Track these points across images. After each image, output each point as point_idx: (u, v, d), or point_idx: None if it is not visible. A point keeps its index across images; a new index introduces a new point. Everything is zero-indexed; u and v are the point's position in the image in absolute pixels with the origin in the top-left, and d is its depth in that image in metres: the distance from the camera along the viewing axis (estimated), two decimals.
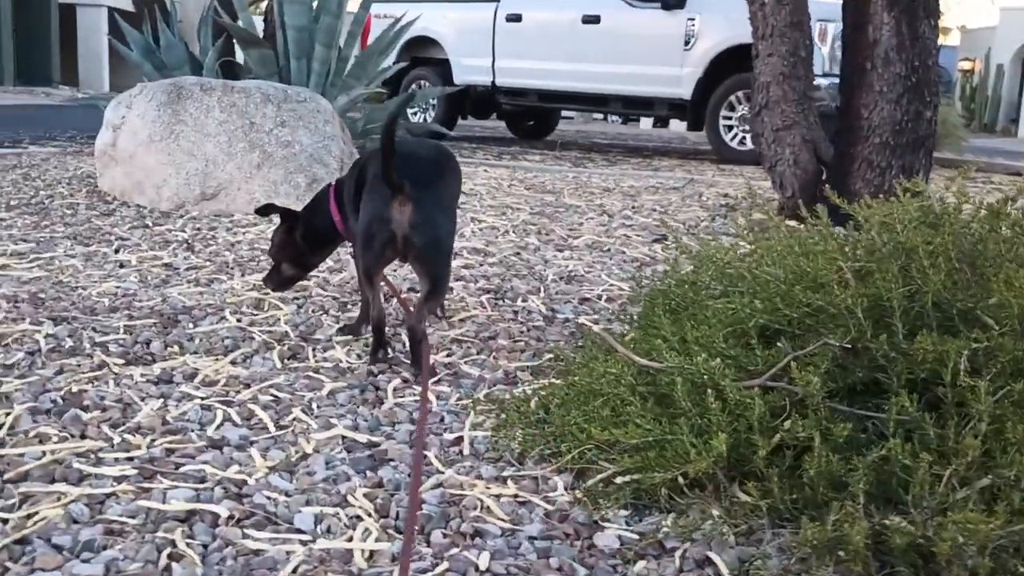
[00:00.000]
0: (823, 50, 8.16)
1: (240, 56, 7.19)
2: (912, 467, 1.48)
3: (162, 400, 1.95)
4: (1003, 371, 1.58)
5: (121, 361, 2.17)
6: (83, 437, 1.76)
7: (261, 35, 7.47)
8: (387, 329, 2.29)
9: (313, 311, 2.66)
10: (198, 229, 3.79)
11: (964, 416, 1.56)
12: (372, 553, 1.41)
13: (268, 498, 1.55)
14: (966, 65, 25.61)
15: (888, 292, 1.73)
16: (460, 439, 1.83)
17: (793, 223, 3.38)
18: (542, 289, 3.01)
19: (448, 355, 2.34)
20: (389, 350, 2.29)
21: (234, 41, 7.17)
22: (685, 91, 9.00)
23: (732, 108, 8.81)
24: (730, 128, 8.88)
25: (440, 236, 2.15)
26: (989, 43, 23.86)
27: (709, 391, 1.63)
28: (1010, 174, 8.58)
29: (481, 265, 3.29)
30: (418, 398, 2.04)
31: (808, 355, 1.71)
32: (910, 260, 1.85)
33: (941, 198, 2.05)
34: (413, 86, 10.63)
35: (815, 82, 6.45)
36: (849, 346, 1.71)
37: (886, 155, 3.96)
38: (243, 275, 3.05)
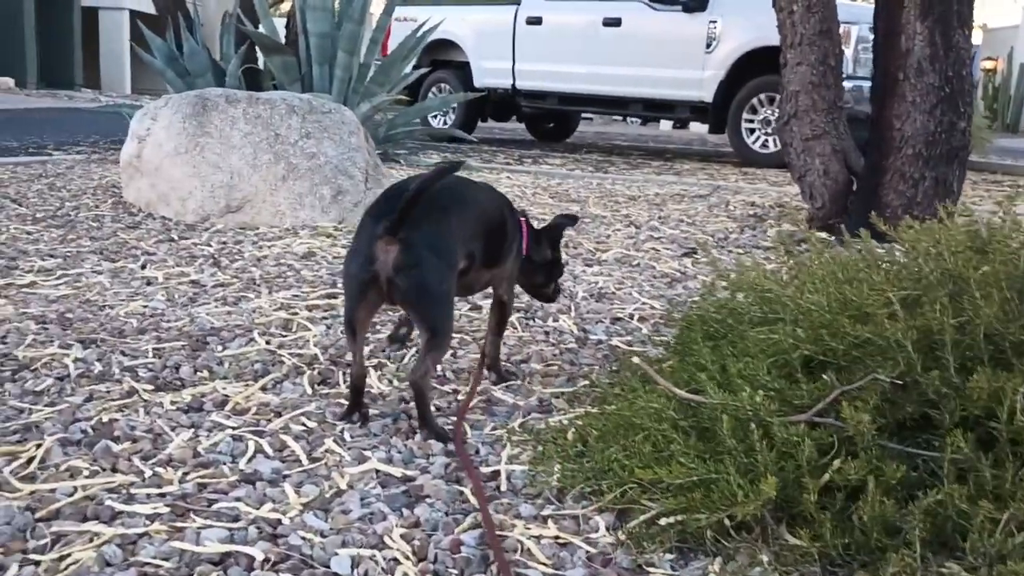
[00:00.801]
0: (846, 52, 8.07)
1: (262, 62, 7.19)
2: (969, 512, 1.43)
3: (193, 430, 1.92)
4: None
5: (151, 387, 2.15)
6: (114, 471, 1.73)
7: (283, 41, 7.48)
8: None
9: (342, 332, 2.62)
10: (224, 243, 3.77)
11: (1020, 456, 1.51)
12: None
13: (303, 539, 1.51)
14: (989, 64, 25.33)
15: (938, 324, 1.68)
16: (497, 473, 1.79)
17: (824, 235, 3.34)
18: (572, 308, 2.97)
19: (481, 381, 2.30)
20: (360, 414, 2.03)
21: (256, 47, 7.17)
22: (707, 94, 8.95)
23: (754, 111, 8.76)
24: (752, 131, 8.82)
25: (428, 280, 1.91)
26: (1012, 42, 23.59)
27: (754, 428, 1.58)
28: None
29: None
30: (451, 428, 2.00)
31: (856, 390, 1.66)
32: (959, 289, 1.80)
33: (989, 221, 1.99)
34: (433, 89, 10.62)
35: None
36: (899, 381, 1.66)
37: (919, 167, 3.89)
38: (271, 292, 3.02)
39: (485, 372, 2.32)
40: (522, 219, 2.36)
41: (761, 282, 2.16)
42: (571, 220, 2.57)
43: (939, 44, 3.80)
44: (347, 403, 2.05)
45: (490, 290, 2.35)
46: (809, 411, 1.66)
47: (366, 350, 2.47)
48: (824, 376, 1.75)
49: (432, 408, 2.03)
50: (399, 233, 1.86)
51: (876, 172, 4.04)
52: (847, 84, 7.62)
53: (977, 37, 27.20)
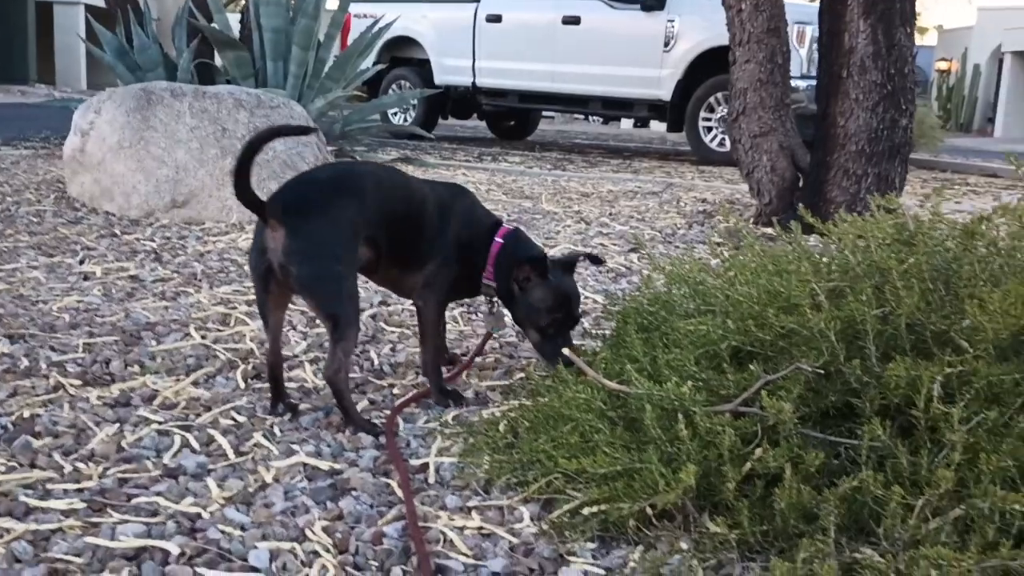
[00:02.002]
0: (801, 52, 8.17)
1: (218, 58, 7.10)
2: (884, 498, 1.45)
3: (118, 425, 1.89)
4: (977, 397, 1.55)
5: (78, 382, 2.11)
6: (32, 466, 1.69)
7: (237, 36, 7.39)
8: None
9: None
10: (167, 238, 3.72)
11: (938, 443, 1.53)
12: None
13: (222, 533, 1.49)
14: (943, 65, 25.76)
15: (861, 314, 1.70)
16: (426, 466, 1.78)
17: (769, 231, 3.36)
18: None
19: (417, 373, 2.29)
20: (285, 406, 2.01)
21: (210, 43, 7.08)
22: (664, 92, 9.00)
23: (711, 109, 8.82)
24: (709, 129, 8.88)
25: (317, 265, 1.85)
26: (966, 43, 24.01)
27: (680, 418, 1.59)
28: (986, 175, 8.60)
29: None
30: (383, 421, 1.99)
31: (780, 379, 1.67)
32: (884, 280, 1.82)
33: (916, 215, 2.02)
34: (393, 87, 10.57)
35: (794, 84, 6.46)
36: (822, 370, 1.67)
37: (862, 163, 3.94)
38: (211, 287, 2.98)
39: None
40: (501, 232, 2.17)
41: (695, 275, 2.17)
42: (595, 259, 2.38)
43: (882, 42, 3.85)
44: (271, 397, 2.02)
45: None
46: (734, 401, 1.68)
47: (303, 344, 2.45)
48: (751, 366, 1.77)
49: (355, 403, 2.01)
50: (287, 219, 1.83)
51: (821, 168, 4.08)
52: (801, 84, 7.72)
53: (932, 38, 27.63)
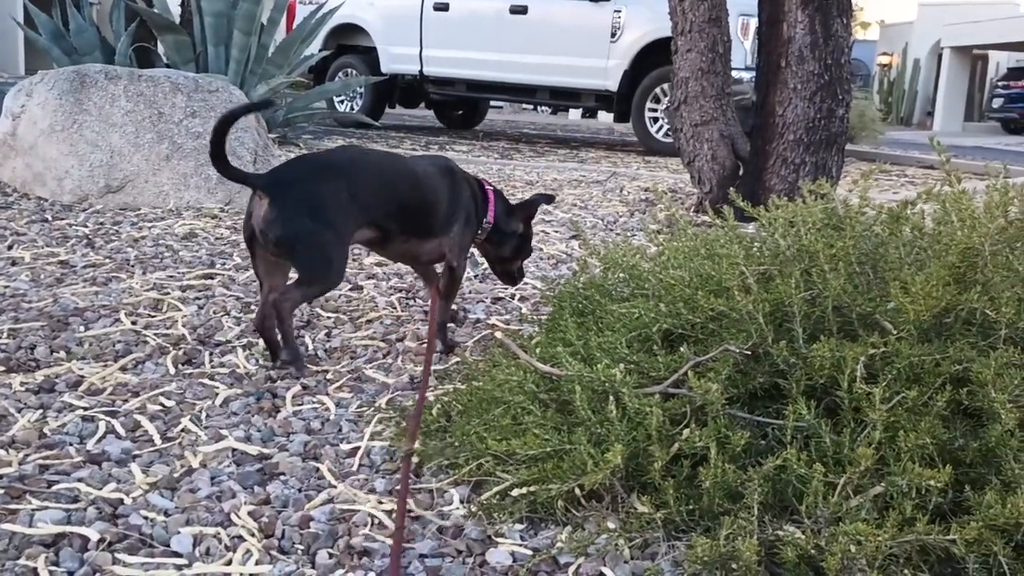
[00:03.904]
0: (745, 44, 8.26)
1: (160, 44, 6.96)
2: (807, 476, 1.47)
3: (41, 411, 1.85)
4: (899, 377, 1.58)
5: (1, 368, 2.05)
6: None
7: (177, 20, 7.25)
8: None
9: (214, 312, 2.56)
10: (101, 224, 3.64)
11: (860, 423, 1.56)
12: None
13: (145, 518, 1.47)
14: (884, 59, 26.26)
15: (789, 297, 1.72)
16: (356, 450, 1.77)
17: (707, 219, 3.40)
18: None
19: (352, 358, 2.28)
20: (282, 354, 2.16)
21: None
22: (611, 83, 9.03)
23: (657, 100, 8.87)
24: (655, 120, 8.93)
25: (298, 230, 2.01)
26: (907, 38, 24.52)
27: (612, 398, 1.60)
28: (924, 167, 8.79)
29: (395, 263, 3.22)
30: (316, 406, 1.97)
31: (709, 361, 1.69)
32: (813, 264, 1.85)
33: (845, 200, 2.05)
34: (340, 74, 10.46)
35: (738, 76, 6.53)
36: (749, 352, 1.69)
37: (800, 152, 4.00)
38: (144, 273, 2.93)
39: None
40: (489, 188, 2.44)
41: (629, 260, 2.19)
42: (548, 199, 2.69)
43: (819, 32, 3.90)
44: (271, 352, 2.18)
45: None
46: (664, 383, 1.69)
47: (236, 330, 2.42)
48: (681, 349, 1.78)
49: (289, 388, 2.04)
50: (272, 190, 2.01)
51: (760, 157, 4.13)
52: (745, 75, 7.81)
53: (874, 32, 28.14)
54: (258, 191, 2.02)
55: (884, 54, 26.41)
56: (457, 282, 2.41)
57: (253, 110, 2.16)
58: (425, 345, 2.39)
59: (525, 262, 2.69)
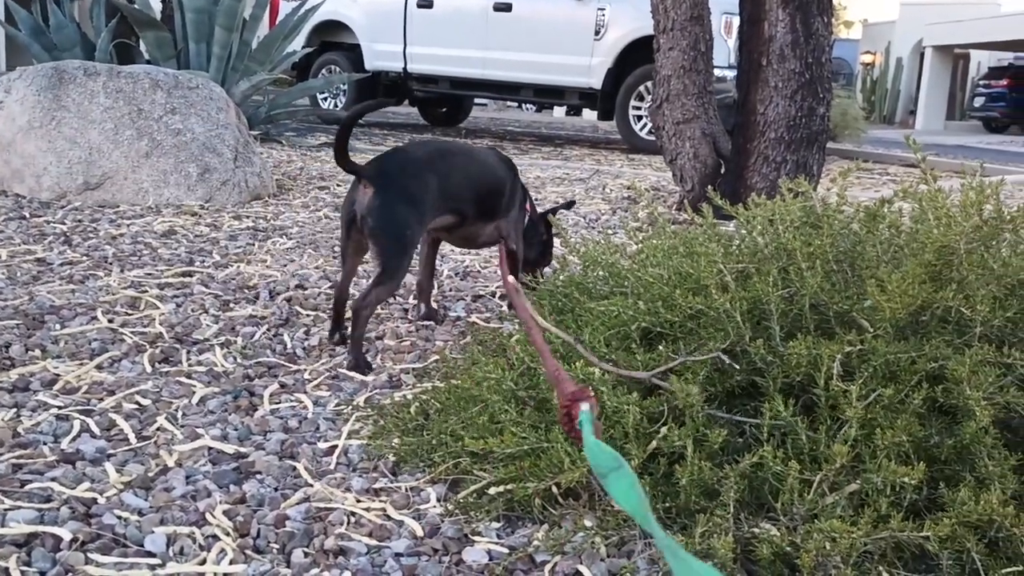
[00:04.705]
0: (728, 42, 8.27)
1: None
2: (783, 474, 1.47)
3: (15, 410, 1.83)
4: (875, 374, 1.58)
5: None
6: None
7: (158, 16, 7.21)
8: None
9: (193, 310, 2.54)
10: (79, 221, 3.61)
11: (837, 420, 1.57)
12: None
13: (118, 518, 1.45)
14: (867, 58, 26.40)
15: (767, 295, 1.72)
16: (334, 448, 1.76)
17: (687, 217, 3.40)
18: (436, 285, 2.95)
19: (331, 356, 2.27)
20: (340, 335, 2.34)
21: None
22: (595, 81, 9.03)
23: (641, 98, 8.87)
24: (639, 118, 8.94)
25: (392, 221, 2.19)
26: (889, 37, 24.64)
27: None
28: (906, 165, 8.84)
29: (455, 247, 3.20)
30: (294, 404, 1.96)
31: (689, 361, 1.69)
32: (791, 262, 1.85)
33: (824, 198, 2.06)
34: (323, 71, 10.42)
35: (721, 74, 6.54)
36: (724, 352, 1.70)
37: (781, 150, 4.01)
38: (122, 271, 2.90)
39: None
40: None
41: (609, 257, 2.19)
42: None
43: (800, 31, 3.92)
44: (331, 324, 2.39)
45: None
46: (641, 383, 1.69)
47: (215, 327, 2.41)
48: (660, 347, 1.78)
49: (266, 386, 2.03)
50: (377, 181, 2.19)
51: (742, 155, 4.14)
52: (728, 73, 7.82)
53: (856, 31, 28.28)
54: (365, 180, 2.20)
55: (867, 53, 26.54)
56: (518, 260, 2.61)
57: (378, 107, 2.52)
58: (404, 343, 2.39)
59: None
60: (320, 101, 10.23)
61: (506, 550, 1.44)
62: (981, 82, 22.08)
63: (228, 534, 1.44)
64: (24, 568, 1.31)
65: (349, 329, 2.26)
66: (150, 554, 1.38)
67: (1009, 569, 1.32)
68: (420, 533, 1.47)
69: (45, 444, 1.70)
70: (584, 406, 1.34)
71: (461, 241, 2.65)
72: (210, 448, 1.73)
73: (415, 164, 2.30)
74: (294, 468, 1.67)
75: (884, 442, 1.46)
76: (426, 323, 2.55)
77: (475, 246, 2.71)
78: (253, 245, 3.36)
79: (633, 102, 8.96)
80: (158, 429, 1.80)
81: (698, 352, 1.72)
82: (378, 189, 2.18)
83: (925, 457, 1.45)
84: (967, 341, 1.61)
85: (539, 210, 2.77)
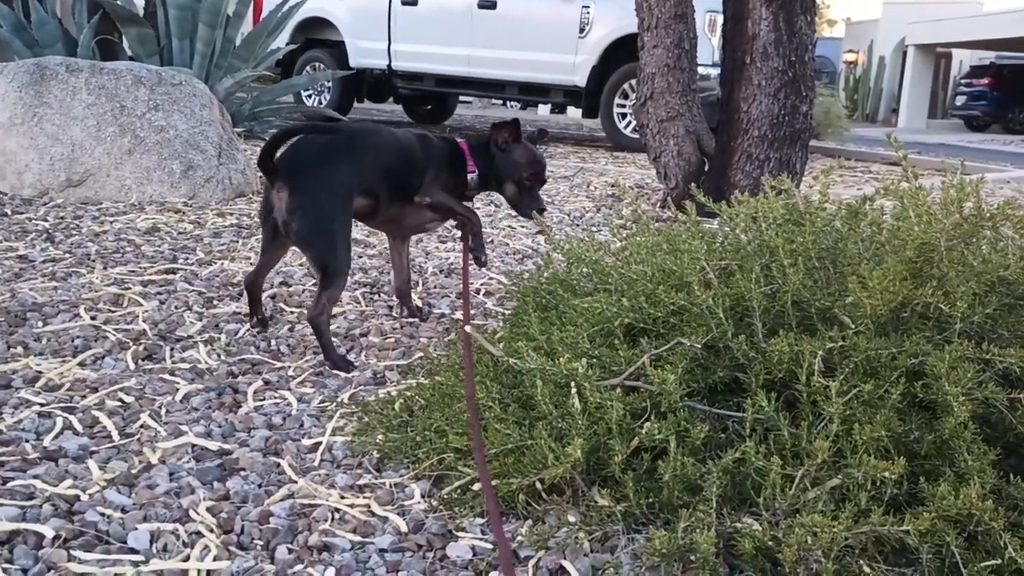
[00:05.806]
0: (712, 40, 8.29)
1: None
2: (765, 469, 1.48)
3: None
4: (856, 370, 1.60)
5: None
6: None
7: (141, 13, 7.16)
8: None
9: (176, 307, 2.53)
10: (61, 218, 3.59)
11: (819, 416, 1.58)
12: (209, 573, 1.33)
13: (101, 515, 1.45)
14: (850, 57, 26.53)
15: (749, 292, 1.73)
16: (318, 445, 1.76)
17: (671, 214, 3.41)
18: (420, 283, 2.95)
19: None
20: (259, 318, 2.39)
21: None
22: (580, 79, 9.03)
23: (626, 96, 8.88)
24: (623, 116, 8.95)
25: (316, 220, 2.11)
26: (872, 35, 24.76)
27: (574, 391, 1.60)
28: (888, 163, 8.89)
29: (360, 257, 3.21)
30: (278, 401, 1.96)
31: (668, 353, 1.69)
32: (773, 259, 1.86)
33: (806, 196, 2.07)
34: (307, 68, 10.39)
35: (705, 72, 6.56)
36: (699, 346, 1.70)
37: (764, 148, 4.02)
38: (105, 268, 2.89)
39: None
40: (462, 142, 2.51)
41: (593, 255, 2.19)
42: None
43: (783, 29, 3.93)
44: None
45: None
46: (622, 376, 1.69)
47: (199, 325, 2.40)
48: (642, 343, 1.79)
49: (254, 380, 2.01)
50: (290, 181, 2.09)
51: (725, 153, 4.16)
52: (712, 71, 7.85)
53: (839, 30, 28.41)
54: (276, 183, 2.12)
55: (850, 51, 26.68)
56: (472, 219, 2.51)
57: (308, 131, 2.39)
58: (388, 340, 2.39)
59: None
60: (304, 98, 10.19)
61: (490, 545, 1.44)
62: (963, 81, 22.23)
63: (212, 531, 1.43)
64: (6, 566, 1.31)
65: (267, 313, 2.35)
66: (133, 551, 1.37)
67: (988, 563, 1.33)
68: (404, 529, 1.48)
69: (27, 441, 1.70)
70: None
71: (391, 227, 2.54)
72: (194, 445, 1.73)
73: (322, 151, 2.19)
74: (278, 465, 1.67)
75: (864, 437, 1.47)
76: (410, 320, 2.55)
77: (408, 231, 2.58)
78: (237, 242, 3.35)
79: (617, 100, 8.97)
80: (141, 426, 1.80)
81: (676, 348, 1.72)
82: (293, 190, 2.10)
83: (905, 452, 1.46)
84: (947, 337, 1.63)
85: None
